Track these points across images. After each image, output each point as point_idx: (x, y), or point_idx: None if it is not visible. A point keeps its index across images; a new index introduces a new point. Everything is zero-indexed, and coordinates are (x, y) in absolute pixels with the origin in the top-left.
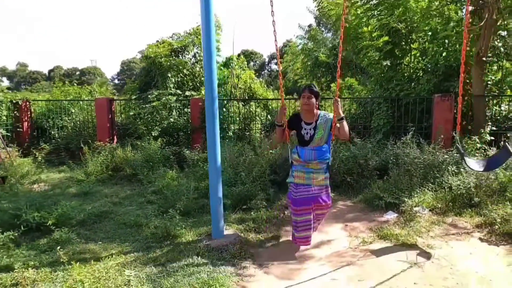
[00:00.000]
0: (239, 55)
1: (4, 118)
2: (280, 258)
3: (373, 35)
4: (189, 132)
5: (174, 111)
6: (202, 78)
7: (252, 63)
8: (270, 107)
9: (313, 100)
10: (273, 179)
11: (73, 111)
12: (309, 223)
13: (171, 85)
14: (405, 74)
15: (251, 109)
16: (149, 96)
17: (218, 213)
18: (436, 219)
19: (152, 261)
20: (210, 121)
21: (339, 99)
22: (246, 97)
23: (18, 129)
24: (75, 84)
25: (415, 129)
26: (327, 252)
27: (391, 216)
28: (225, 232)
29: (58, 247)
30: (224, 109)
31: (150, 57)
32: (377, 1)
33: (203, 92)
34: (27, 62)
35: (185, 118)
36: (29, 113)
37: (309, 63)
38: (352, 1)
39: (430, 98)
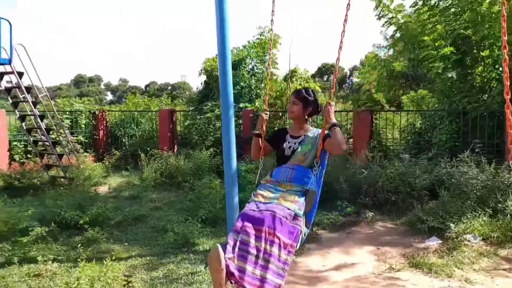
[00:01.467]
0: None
1: (83, 126)
2: (295, 275)
3: (436, 44)
4: (241, 143)
5: None
6: (258, 91)
7: (331, 76)
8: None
9: (299, 107)
10: None
11: (142, 121)
12: (249, 248)
13: None
14: (476, 85)
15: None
16: (203, 107)
17: (233, 219)
18: (487, 250)
19: (162, 265)
20: (225, 127)
21: (332, 103)
22: None
23: (95, 137)
24: (153, 97)
25: (485, 146)
26: (346, 276)
27: (433, 242)
28: None
29: (80, 245)
30: (279, 121)
31: (208, 70)
32: (444, 5)
33: (257, 104)
34: (128, 78)
35: (238, 129)
36: (104, 122)
37: (384, 74)
38: (416, 7)
39: (503, 112)
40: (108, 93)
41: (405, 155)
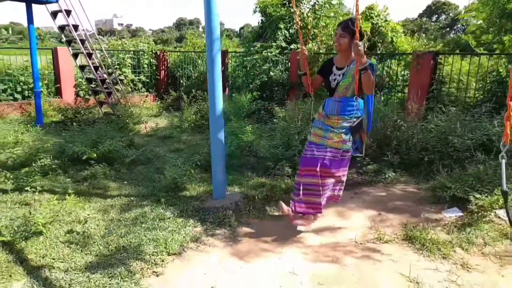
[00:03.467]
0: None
1: (146, 66)
2: (264, 234)
3: None
4: (286, 87)
5: (279, 65)
6: (315, 30)
7: (444, 16)
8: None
9: (346, 40)
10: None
11: (199, 62)
12: (314, 187)
13: (281, 38)
14: None
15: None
16: (251, 48)
17: (219, 172)
18: None
19: (139, 208)
20: (210, 67)
21: (359, 42)
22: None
23: (157, 77)
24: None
25: None
26: (322, 241)
27: (452, 214)
28: (230, 194)
29: (68, 179)
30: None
31: (261, 8)
32: None
33: (310, 45)
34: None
35: (287, 73)
36: (165, 63)
37: (495, 12)
38: None
39: None
40: (225, 37)
41: (452, 107)
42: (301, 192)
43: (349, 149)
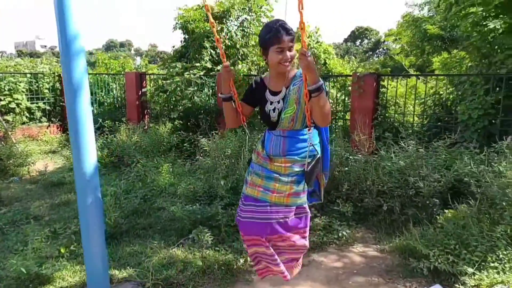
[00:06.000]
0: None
1: (46, 91)
2: None
3: None
4: (214, 115)
5: (205, 88)
6: (244, 49)
7: (366, 41)
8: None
9: (294, 51)
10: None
11: (114, 86)
12: (268, 257)
13: (207, 58)
14: None
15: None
16: (170, 70)
17: (93, 256)
18: None
19: None
20: (69, 98)
21: (308, 51)
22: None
23: (61, 103)
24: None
25: None
26: None
27: None
28: (117, 285)
29: None
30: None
31: (182, 24)
32: None
33: (239, 66)
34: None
35: (214, 97)
36: None
37: (416, 36)
38: None
39: None
40: (138, 58)
41: (410, 141)
42: (255, 262)
43: (304, 203)
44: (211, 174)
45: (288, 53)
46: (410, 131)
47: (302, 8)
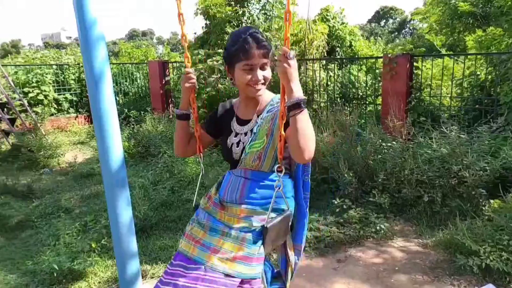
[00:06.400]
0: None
1: (72, 82)
2: None
3: None
4: None
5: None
6: (267, 34)
7: (391, 21)
8: (375, 69)
9: (269, 69)
10: None
11: (138, 75)
12: None
13: None
14: None
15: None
16: (193, 57)
17: (124, 254)
18: None
19: None
20: (91, 88)
21: (290, 52)
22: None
23: (87, 94)
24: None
25: None
26: None
27: None
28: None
29: None
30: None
31: (204, 9)
32: None
33: None
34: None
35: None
36: None
37: (446, 14)
38: None
39: None
40: (160, 46)
41: (452, 126)
42: None
43: (256, 277)
44: None
45: (260, 73)
46: (447, 115)
47: None
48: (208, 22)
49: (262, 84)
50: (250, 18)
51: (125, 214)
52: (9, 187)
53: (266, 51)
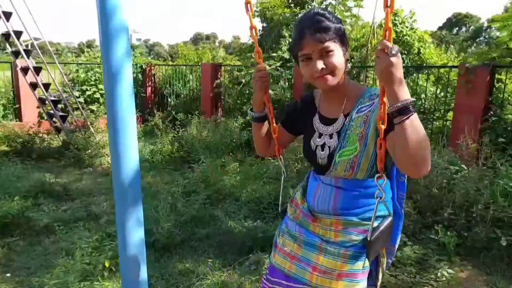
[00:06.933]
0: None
1: None
2: None
3: None
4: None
5: (281, 80)
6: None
7: (464, 29)
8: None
9: (338, 53)
10: None
11: (191, 77)
12: None
13: (285, 48)
14: None
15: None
16: (245, 60)
17: (130, 273)
18: None
19: None
20: (108, 87)
21: (393, 47)
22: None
23: (142, 95)
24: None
25: None
26: None
27: None
28: None
29: None
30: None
31: (262, 11)
32: None
33: None
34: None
35: (291, 91)
36: (153, 78)
37: None
38: None
39: None
40: (221, 49)
41: None
42: None
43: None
44: (280, 180)
45: (319, 62)
46: None
47: None
48: (264, 25)
49: (331, 74)
50: None
51: (135, 235)
52: (46, 187)
53: (325, 33)
